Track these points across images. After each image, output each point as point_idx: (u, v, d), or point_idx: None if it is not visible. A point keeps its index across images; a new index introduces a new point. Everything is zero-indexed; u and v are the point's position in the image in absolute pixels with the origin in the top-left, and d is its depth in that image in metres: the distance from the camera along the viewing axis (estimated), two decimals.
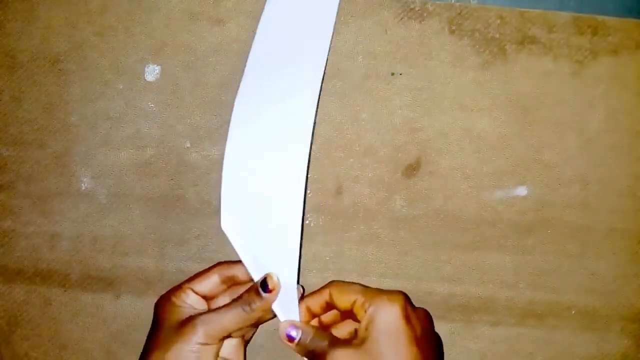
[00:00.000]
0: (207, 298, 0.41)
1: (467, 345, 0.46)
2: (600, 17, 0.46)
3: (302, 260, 0.46)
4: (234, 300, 0.40)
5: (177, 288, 0.40)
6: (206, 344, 0.38)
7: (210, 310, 0.40)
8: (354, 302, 0.39)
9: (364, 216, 0.46)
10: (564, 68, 0.46)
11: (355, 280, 0.45)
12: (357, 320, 0.40)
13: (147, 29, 0.46)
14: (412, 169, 0.46)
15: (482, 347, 0.46)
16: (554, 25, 0.46)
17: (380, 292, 0.39)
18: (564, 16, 0.46)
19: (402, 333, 0.37)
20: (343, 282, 0.41)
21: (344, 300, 0.40)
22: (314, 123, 0.43)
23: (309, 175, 0.46)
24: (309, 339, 0.39)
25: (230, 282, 0.41)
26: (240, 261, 0.41)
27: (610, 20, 0.46)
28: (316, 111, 0.43)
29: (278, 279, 0.40)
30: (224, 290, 0.42)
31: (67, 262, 0.46)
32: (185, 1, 0.46)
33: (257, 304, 0.39)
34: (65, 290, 0.46)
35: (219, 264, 0.42)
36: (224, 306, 0.39)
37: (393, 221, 0.46)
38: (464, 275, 0.46)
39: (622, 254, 0.46)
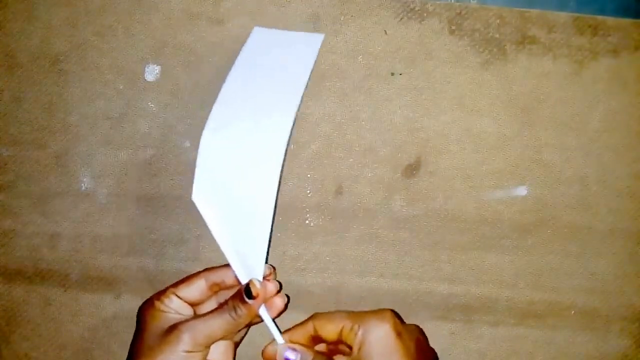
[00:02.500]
0: (193, 304, 0.40)
1: (467, 345, 0.46)
2: (600, 17, 0.46)
3: (301, 260, 0.46)
4: (220, 306, 0.39)
5: (161, 293, 0.39)
6: (192, 351, 0.37)
7: (196, 317, 0.38)
8: (342, 329, 0.38)
9: (364, 216, 0.46)
10: (564, 68, 0.46)
11: (354, 280, 0.46)
12: (345, 352, 0.40)
13: (147, 29, 0.46)
14: (412, 169, 0.46)
15: (482, 347, 0.46)
16: (554, 25, 0.46)
17: (367, 313, 0.38)
18: (564, 16, 0.46)
19: (396, 351, 0.37)
20: (326, 312, 0.40)
21: (330, 330, 0.38)
22: (298, 108, 0.42)
23: (308, 175, 0.46)
24: None
25: (217, 288, 0.40)
26: (227, 265, 0.40)
27: (610, 20, 0.46)
28: (301, 100, 0.43)
29: (261, 283, 0.39)
30: (211, 296, 0.41)
31: (67, 262, 0.46)
32: (185, 1, 0.46)
33: (243, 311, 0.38)
34: (65, 290, 0.46)
35: (206, 269, 0.41)
36: (210, 312, 0.38)
37: (393, 221, 0.46)
38: (464, 275, 0.46)
39: (622, 254, 0.46)
